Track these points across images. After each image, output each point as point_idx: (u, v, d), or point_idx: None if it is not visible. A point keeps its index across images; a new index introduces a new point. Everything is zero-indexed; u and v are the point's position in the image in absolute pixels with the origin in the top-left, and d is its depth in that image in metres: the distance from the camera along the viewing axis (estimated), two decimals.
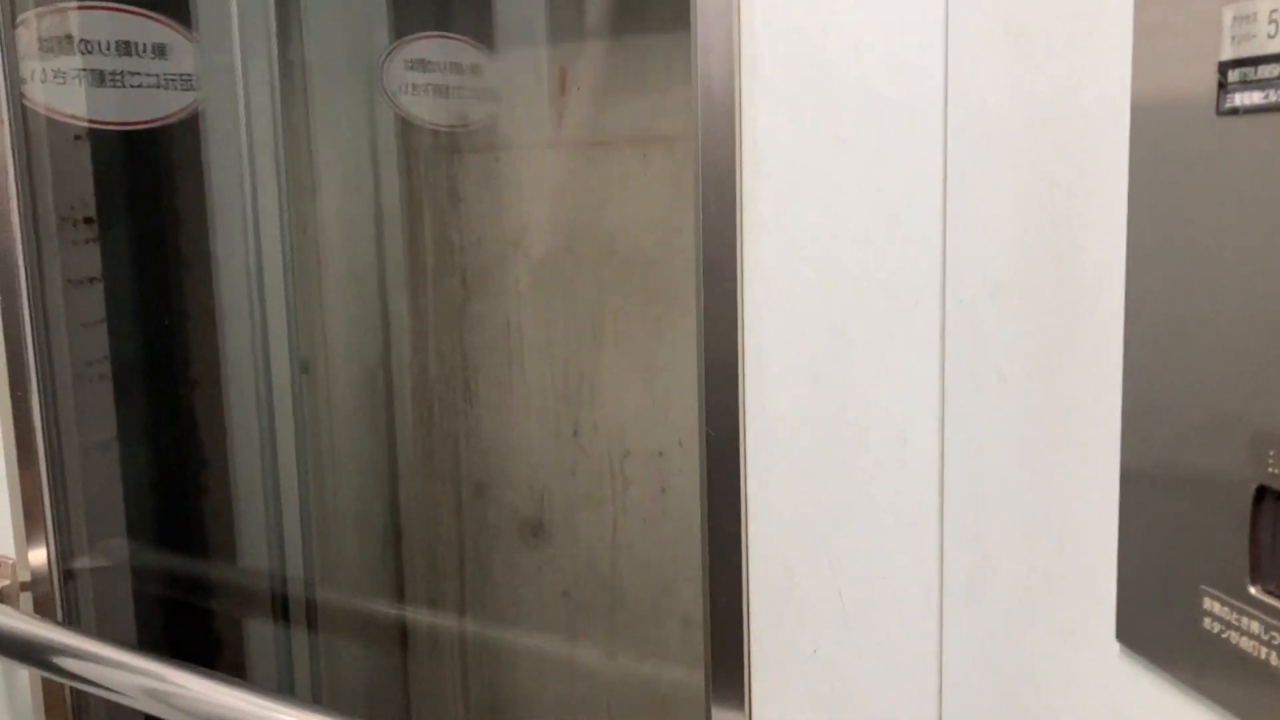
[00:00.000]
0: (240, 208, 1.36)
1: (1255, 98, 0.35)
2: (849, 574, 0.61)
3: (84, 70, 1.17)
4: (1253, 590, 0.38)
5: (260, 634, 1.41)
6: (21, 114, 1.08)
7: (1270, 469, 0.36)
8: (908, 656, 0.59)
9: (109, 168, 1.24)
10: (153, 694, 0.93)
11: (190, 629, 1.35)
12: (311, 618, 1.44)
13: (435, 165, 1.53)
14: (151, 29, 1.24)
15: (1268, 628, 0.37)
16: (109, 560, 1.21)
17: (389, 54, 1.47)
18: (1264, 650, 0.37)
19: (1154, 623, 0.43)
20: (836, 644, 0.62)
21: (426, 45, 1.49)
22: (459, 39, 1.50)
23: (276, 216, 1.39)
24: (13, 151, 1.05)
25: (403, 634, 1.55)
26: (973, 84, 0.52)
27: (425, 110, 1.49)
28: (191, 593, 1.35)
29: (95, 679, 0.96)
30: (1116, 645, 0.45)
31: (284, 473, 1.40)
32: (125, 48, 1.21)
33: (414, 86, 1.48)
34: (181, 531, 1.33)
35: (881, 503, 0.59)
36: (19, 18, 1.10)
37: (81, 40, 1.16)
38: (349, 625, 1.50)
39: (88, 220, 1.18)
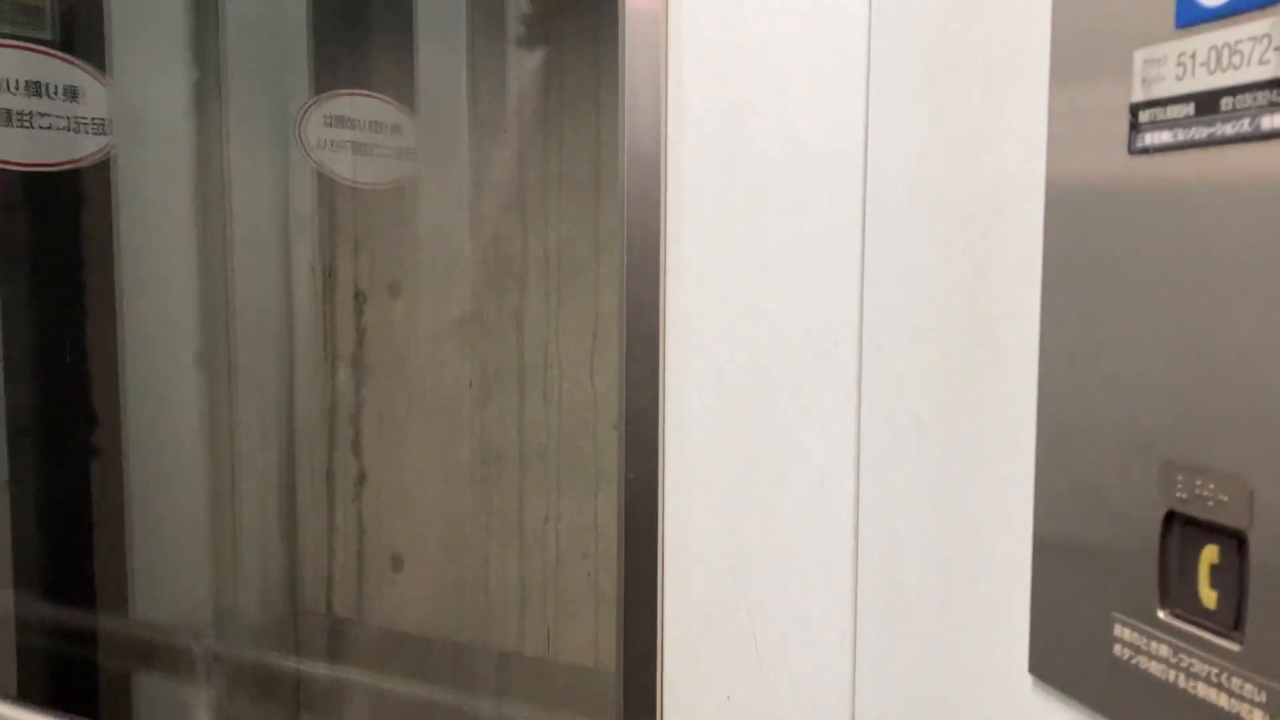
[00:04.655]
0: (150, 252, 1.33)
1: (1165, 137, 0.37)
2: (765, 617, 0.61)
3: None
4: (1161, 614, 0.39)
5: (153, 688, 1.36)
6: None
7: (1179, 494, 0.38)
8: (822, 700, 0.59)
9: (10, 205, 1.21)
10: None
11: (80, 683, 1.29)
12: (215, 671, 1.39)
13: (350, 218, 1.52)
14: (64, 70, 1.22)
15: (1175, 650, 0.38)
16: None
17: (307, 108, 1.46)
18: (1172, 673, 0.38)
19: (1066, 653, 0.44)
20: (751, 689, 0.61)
21: (347, 102, 1.49)
22: (380, 98, 1.51)
23: (188, 260, 1.37)
24: None
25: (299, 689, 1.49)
26: (893, 130, 0.54)
27: (343, 167, 1.48)
28: (82, 646, 1.29)
29: None
30: (1029, 678, 0.46)
31: (187, 520, 1.36)
32: (35, 88, 1.19)
33: (333, 143, 1.48)
34: (73, 582, 1.27)
35: (799, 545, 0.60)
36: None
37: None
38: (253, 678, 1.45)
39: None
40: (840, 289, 0.57)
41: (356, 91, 1.51)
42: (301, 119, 1.46)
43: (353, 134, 1.48)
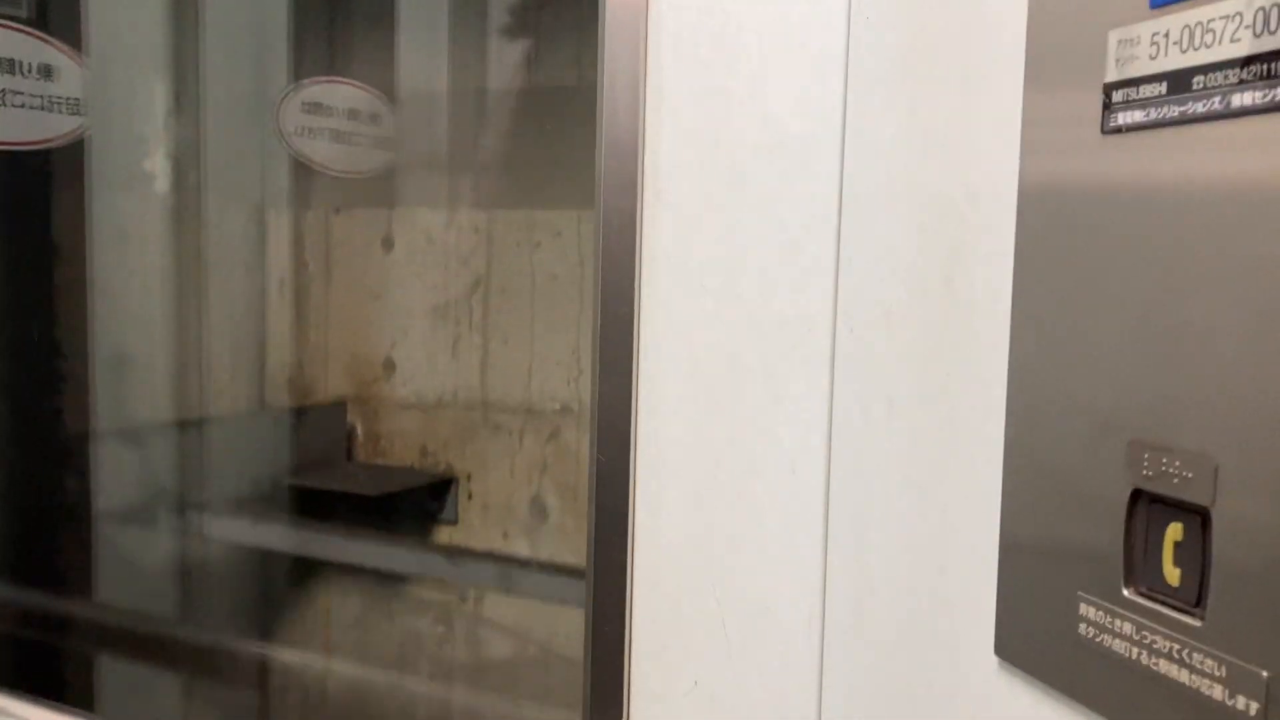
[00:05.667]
0: (123, 232, 1.32)
1: (1137, 116, 0.37)
2: (734, 605, 0.61)
3: None
4: (1126, 592, 0.39)
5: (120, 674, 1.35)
6: None
7: (1145, 471, 0.38)
8: (788, 687, 0.59)
9: None
10: None
11: (52, 672, 1.28)
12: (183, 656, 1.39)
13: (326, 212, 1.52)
14: (39, 49, 1.21)
15: (1139, 627, 0.38)
16: None
17: (286, 94, 1.45)
18: (1136, 650, 0.39)
19: (1031, 634, 0.44)
20: (718, 676, 0.61)
21: (325, 89, 1.48)
22: (359, 86, 1.50)
23: (160, 243, 1.36)
24: None
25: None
26: (871, 116, 0.54)
27: (319, 154, 1.48)
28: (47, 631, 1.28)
29: None
30: (995, 660, 0.46)
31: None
32: (9, 65, 1.18)
33: (309, 129, 1.47)
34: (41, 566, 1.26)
35: (769, 533, 0.60)
36: None
37: None
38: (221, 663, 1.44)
39: None
40: (815, 276, 0.57)
41: (335, 79, 1.51)
42: (280, 105, 1.45)
43: (329, 121, 1.47)
